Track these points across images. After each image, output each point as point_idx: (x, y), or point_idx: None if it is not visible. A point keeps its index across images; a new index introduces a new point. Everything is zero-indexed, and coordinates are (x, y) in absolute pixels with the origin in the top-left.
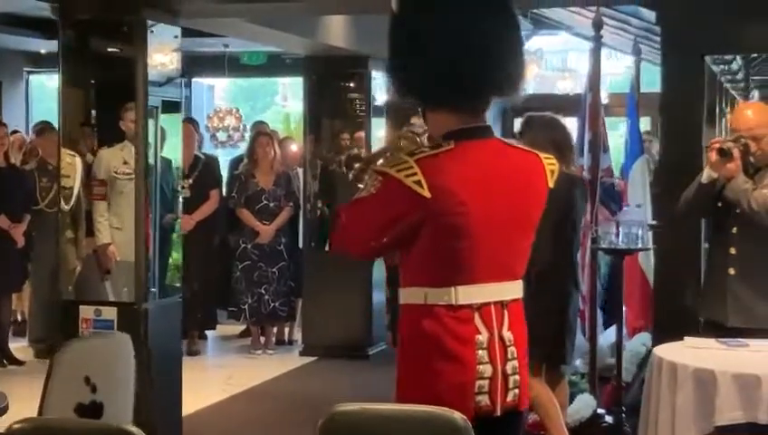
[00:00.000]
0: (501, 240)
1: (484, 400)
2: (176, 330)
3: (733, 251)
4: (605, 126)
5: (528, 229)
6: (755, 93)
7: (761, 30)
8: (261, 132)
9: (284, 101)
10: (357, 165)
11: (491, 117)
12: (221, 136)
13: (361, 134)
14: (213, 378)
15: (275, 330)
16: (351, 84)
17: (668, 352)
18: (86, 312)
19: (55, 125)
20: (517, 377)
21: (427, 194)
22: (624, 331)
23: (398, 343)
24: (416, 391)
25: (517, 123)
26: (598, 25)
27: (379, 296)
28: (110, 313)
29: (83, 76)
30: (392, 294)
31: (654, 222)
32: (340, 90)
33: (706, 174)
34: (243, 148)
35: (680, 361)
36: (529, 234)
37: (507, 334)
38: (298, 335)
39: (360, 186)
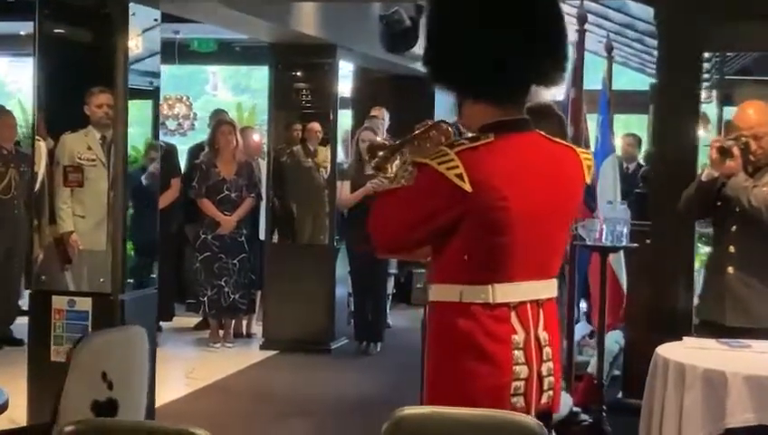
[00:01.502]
0: (539, 237)
1: (519, 401)
2: (151, 322)
3: (732, 250)
4: (587, 122)
5: (565, 226)
6: (714, 93)
7: (761, 29)
8: (223, 121)
9: (215, 90)
10: (381, 153)
11: (444, 109)
12: (170, 124)
13: (315, 125)
14: (174, 372)
15: (233, 323)
16: (319, 74)
17: (672, 352)
18: (59, 302)
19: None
20: (551, 379)
21: (468, 188)
22: (590, 328)
23: (427, 340)
24: (449, 391)
25: None
26: (582, 19)
27: (341, 290)
28: (84, 304)
29: (60, 60)
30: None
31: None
32: (305, 79)
33: (707, 172)
34: (192, 137)
35: (687, 361)
36: (565, 231)
37: (543, 334)
38: (256, 329)
39: (383, 177)
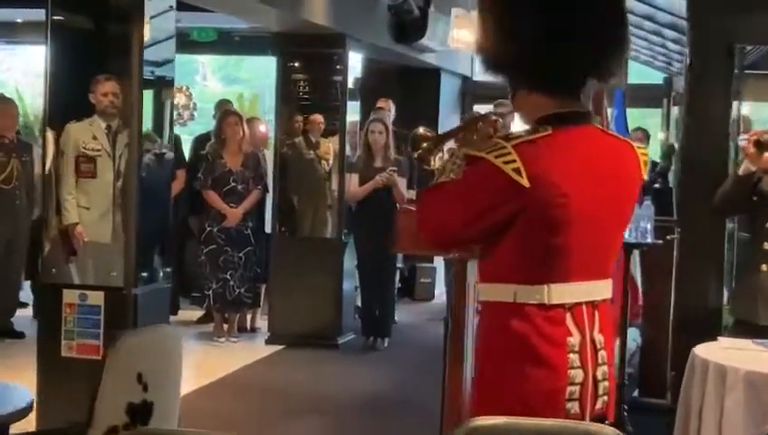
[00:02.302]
0: (596, 236)
1: (573, 407)
2: (165, 317)
3: (766, 246)
4: (608, 117)
5: (621, 225)
6: None
7: None
8: (229, 111)
9: (204, 79)
10: (426, 144)
11: (450, 101)
12: None
13: (318, 117)
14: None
15: (238, 317)
16: (327, 65)
17: (710, 353)
18: (70, 296)
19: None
20: (607, 383)
21: (525, 183)
22: None
23: (476, 342)
24: (500, 396)
25: (478, 109)
26: None
27: (349, 285)
28: (96, 298)
29: (71, 48)
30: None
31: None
32: (314, 70)
33: (744, 166)
34: (191, 127)
35: (728, 363)
36: (622, 230)
37: (598, 337)
38: (260, 323)
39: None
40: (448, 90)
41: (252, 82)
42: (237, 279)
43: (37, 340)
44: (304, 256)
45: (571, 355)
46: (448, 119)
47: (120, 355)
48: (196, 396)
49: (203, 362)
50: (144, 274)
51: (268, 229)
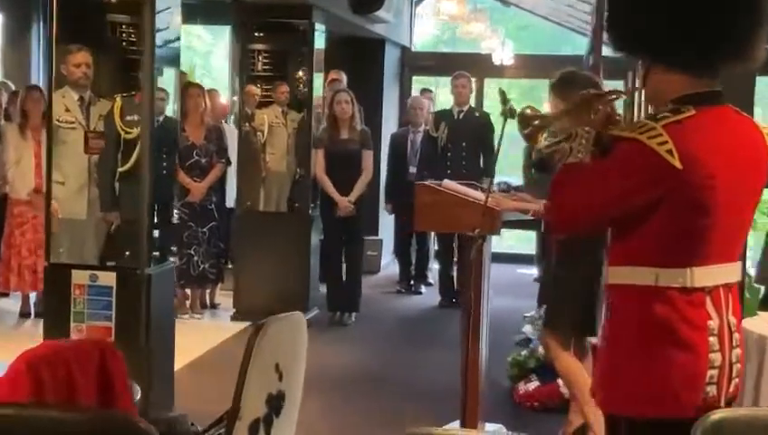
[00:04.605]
0: (735, 217)
1: (712, 391)
2: (171, 295)
3: None
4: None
5: (754, 206)
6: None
7: None
8: (191, 83)
9: None
10: (536, 123)
11: (391, 72)
12: None
13: (285, 88)
14: None
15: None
16: (290, 36)
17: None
18: (79, 277)
19: None
20: (739, 365)
21: (678, 165)
22: None
23: (606, 327)
24: (639, 381)
25: (416, 82)
26: None
27: (316, 260)
28: (108, 278)
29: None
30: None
31: None
32: (276, 41)
33: None
34: None
35: None
36: (753, 211)
37: (732, 319)
38: (221, 299)
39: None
40: (390, 60)
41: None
42: (201, 255)
43: (44, 322)
44: (269, 231)
45: (711, 339)
46: (390, 89)
47: (262, 344)
48: (182, 374)
49: None
50: (156, 253)
51: (229, 203)
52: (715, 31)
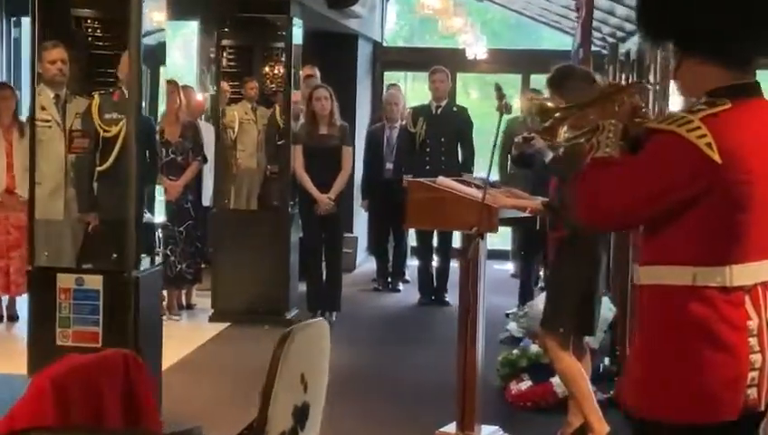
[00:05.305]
0: None
1: (753, 393)
2: (158, 298)
3: None
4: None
5: None
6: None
7: None
8: (166, 80)
9: None
10: (557, 115)
11: (364, 67)
12: None
13: (254, 84)
14: None
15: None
16: (264, 31)
17: None
18: (65, 281)
19: None
20: None
21: (717, 159)
22: None
23: (641, 326)
24: (677, 385)
25: (388, 77)
26: None
27: (296, 258)
28: (94, 282)
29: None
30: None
31: None
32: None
33: None
34: None
35: None
36: None
37: None
38: (197, 299)
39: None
40: (362, 55)
41: None
42: (178, 255)
43: (28, 327)
44: (247, 230)
45: (751, 339)
46: (363, 84)
47: (289, 354)
48: (168, 375)
49: None
50: (144, 255)
51: (205, 202)
52: (757, 23)
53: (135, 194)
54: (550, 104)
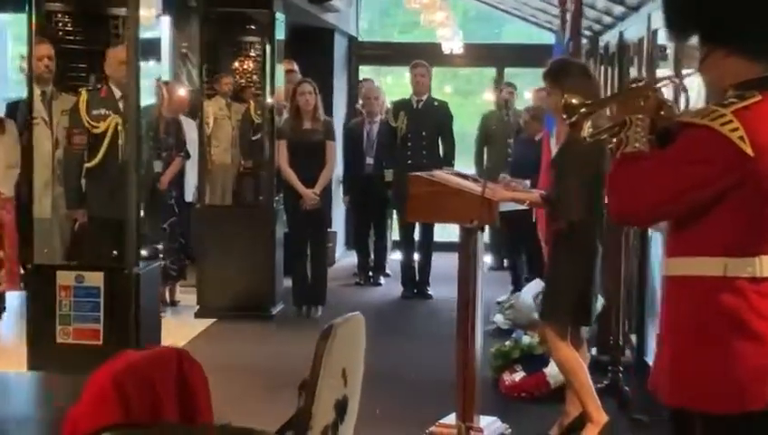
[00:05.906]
0: None
1: None
2: (157, 295)
3: None
4: None
5: None
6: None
7: None
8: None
9: None
10: (583, 110)
11: (340, 61)
12: None
13: (228, 79)
14: None
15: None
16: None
17: None
18: (65, 278)
19: None
20: None
21: (750, 152)
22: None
23: (670, 317)
24: (707, 375)
25: (363, 70)
26: None
27: (281, 253)
28: (95, 278)
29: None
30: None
31: None
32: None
33: None
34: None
35: None
36: None
37: None
38: (181, 296)
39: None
40: (339, 50)
41: None
42: (163, 251)
43: (27, 325)
44: (231, 226)
45: None
46: (339, 79)
47: (333, 350)
48: None
49: None
50: (144, 251)
51: (188, 198)
52: None
53: (135, 192)
54: (575, 100)
